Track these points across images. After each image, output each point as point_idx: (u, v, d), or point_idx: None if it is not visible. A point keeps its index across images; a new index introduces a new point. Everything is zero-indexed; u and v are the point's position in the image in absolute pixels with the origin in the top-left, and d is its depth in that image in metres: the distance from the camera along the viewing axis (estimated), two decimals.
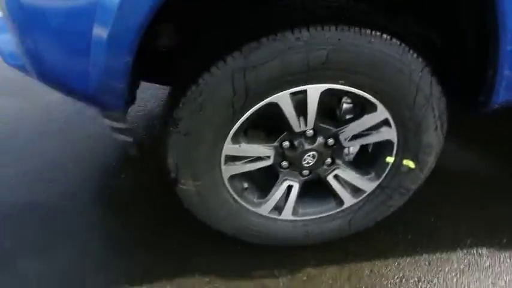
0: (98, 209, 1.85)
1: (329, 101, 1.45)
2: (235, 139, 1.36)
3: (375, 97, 1.31)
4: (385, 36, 1.22)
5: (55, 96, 2.57)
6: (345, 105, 1.43)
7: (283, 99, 1.28)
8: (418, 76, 1.29)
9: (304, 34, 1.18)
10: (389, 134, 1.41)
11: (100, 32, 1.11)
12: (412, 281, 1.57)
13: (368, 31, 1.21)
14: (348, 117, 1.44)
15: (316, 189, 1.60)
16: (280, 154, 1.45)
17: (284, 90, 1.27)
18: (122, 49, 1.14)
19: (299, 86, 1.26)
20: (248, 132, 1.46)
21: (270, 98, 1.27)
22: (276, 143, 1.42)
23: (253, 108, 1.29)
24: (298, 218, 1.59)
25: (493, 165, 2.05)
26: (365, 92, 1.30)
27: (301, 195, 1.57)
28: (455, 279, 1.58)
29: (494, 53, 1.27)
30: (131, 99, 1.39)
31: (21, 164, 2.05)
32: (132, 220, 1.80)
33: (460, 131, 2.26)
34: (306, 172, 1.50)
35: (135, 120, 2.34)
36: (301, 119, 1.36)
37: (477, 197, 1.89)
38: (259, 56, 1.20)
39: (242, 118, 1.30)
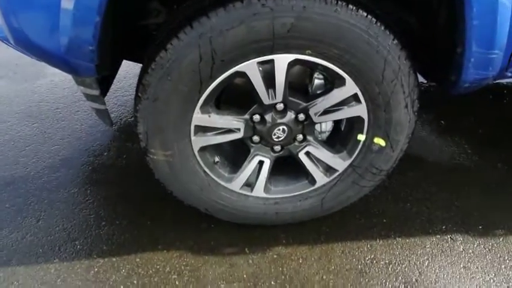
0: (79, 185, 1.84)
1: (301, 76, 1.43)
2: (205, 109, 1.34)
3: (343, 70, 1.28)
4: (351, 6, 1.20)
5: (46, 80, 2.60)
6: (316, 81, 1.41)
7: (251, 68, 1.26)
8: (386, 49, 1.26)
9: (270, 0, 1.17)
10: (359, 110, 1.37)
11: None
12: (383, 262, 1.52)
13: (334, 0, 1.19)
14: (318, 92, 1.41)
15: (288, 167, 1.56)
16: (251, 127, 1.42)
17: (251, 59, 1.25)
18: (91, 7, 1.14)
19: (266, 55, 1.24)
20: (221, 103, 1.45)
21: (238, 66, 1.25)
22: (246, 116, 1.40)
23: (221, 77, 1.27)
24: (270, 196, 1.55)
25: (471, 153, 2.00)
26: (332, 64, 1.27)
27: (273, 172, 1.54)
28: (426, 263, 1.52)
29: (462, 29, 1.24)
30: (108, 74, 1.39)
31: (6, 141, 2.06)
32: (110, 196, 1.78)
33: (438, 117, 2.23)
34: (277, 148, 1.47)
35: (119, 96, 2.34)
36: (271, 91, 1.34)
37: (454, 184, 1.83)
38: (225, 21, 1.18)
39: (210, 87, 1.28)
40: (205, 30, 1.19)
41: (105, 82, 1.50)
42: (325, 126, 1.50)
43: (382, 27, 1.24)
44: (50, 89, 2.49)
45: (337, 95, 1.35)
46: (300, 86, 1.42)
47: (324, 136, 1.53)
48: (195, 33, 1.20)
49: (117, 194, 1.78)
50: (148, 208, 1.71)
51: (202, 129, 1.39)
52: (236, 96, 1.43)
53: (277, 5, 1.17)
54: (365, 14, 1.21)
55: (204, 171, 1.47)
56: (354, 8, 1.20)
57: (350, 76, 1.30)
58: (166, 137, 1.37)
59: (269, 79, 1.30)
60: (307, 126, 1.44)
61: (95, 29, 1.17)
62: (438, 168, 1.92)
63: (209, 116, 1.36)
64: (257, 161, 1.48)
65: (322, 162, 1.50)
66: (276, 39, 1.21)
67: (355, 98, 1.35)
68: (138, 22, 1.66)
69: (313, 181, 1.53)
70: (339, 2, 1.19)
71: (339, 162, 1.49)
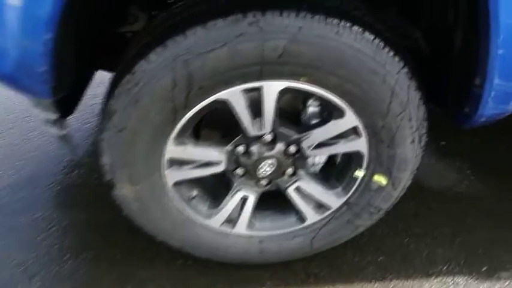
0: (44, 208, 1.59)
1: (293, 102, 1.20)
2: (180, 140, 1.11)
3: (342, 100, 1.06)
4: (356, 28, 0.98)
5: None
6: (310, 109, 1.18)
7: (234, 96, 1.03)
8: (394, 79, 1.04)
9: (259, 19, 0.93)
10: (359, 144, 1.15)
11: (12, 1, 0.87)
12: None
13: (335, 20, 0.96)
14: (313, 122, 1.19)
15: (275, 200, 1.34)
16: (234, 160, 1.19)
17: (235, 86, 1.02)
18: (39, 23, 0.89)
19: (252, 81, 1.01)
20: (202, 131, 1.22)
21: (219, 94, 1.02)
22: (228, 147, 1.17)
23: (198, 106, 1.04)
24: (254, 233, 1.33)
25: (474, 179, 1.80)
26: (331, 93, 1.05)
27: (258, 206, 1.31)
28: None
29: (484, 58, 1.02)
30: (70, 90, 1.15)
31: None
32: (77, 222, 1.54)
33: (438, 136, 2.01)
34: (263, 182, 1.25)
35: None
36: (257, 120, 1.11)
37: (456, 216, 1.63)
38: (204, 41, 0.95)
39: (186, 116, 1.05)
40: (180, 51, 0.95)
41: (69, 101, 1.26)
42: (318, 158, 1.28)
43: (391, 54, 1.02)
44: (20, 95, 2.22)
45: (335, 127, 1.12)
46: (291, 113, 1.20)
47: (317, 168, 1.31)
48: (168, 54, 0.96)
49: (86, 220, 1.54)
50: (118, 238, 1.48)
51: (177, 163, 1.16)
52: (218, 124, 1.20)
53: (267, 25, 0.94)
54: (372, 37, 0.99)
55: (179, 208, 1.24)
56: (359, 29, 0.97)
57: (350, 107, 1.07)
58: (135, 171, 1.14)
59: (255, 108, 1.07)
60: (299, 159, 1.21)
61: (45, 47, 0.92)
62: (439, 197, 1.71)
63: (185, 148, 1.13)
64: (240, 197, 1.26)
65: (314, 199, 1.28)
66: (265, 65, 0.98)
67: (354, 131, 1.13)
68: (114, 29, 1.42)
69: (302, 218, 1.31)
70: (342, 23, 0.96)
71: (333, 200, 1.27)
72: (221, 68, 0.97)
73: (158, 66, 0.97)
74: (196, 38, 0.94)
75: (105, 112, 1.06)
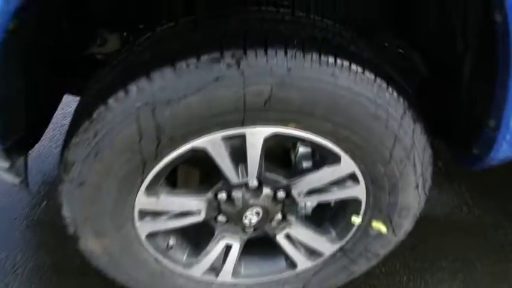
0: (8, 249, 1.42)
1: (281, 143, 1.05)
2: (152, 191, 0.95)
3: (338, 147, 0.91)
4: (355, 67, 0.82)
5: None
6: (301, 150, 1.03)
7: (212, 144, 0.87)
8: (397, 123, 0.89)
9: (239, 59, 0.77)
10: (356, 191, 1.01)
11: None
12: None
13: (331, 59, 0.80)
14: (304, 165, 1.04)
15: (263, 243, 1.20)
16: (215, 207, 1.04)
17: (213, 134, 0.86)
18: None
19: (233, 129, 0.86)
20: (178, 178, 1.07)
21: (195, 142, 0.86)
22: (209, 194, 1.01)
23: (171, 155, 0.88)
24: (240, 281, 1.18)
25: (472, 205, 1.67)
26: (325, 139, 0.90)
27: (244, 250, 1.16)
28: None
29: (500, 98, 0.88)
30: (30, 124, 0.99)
31: None
32: (43, 265, 1.37)
33: (435, 157, 1.86)
34: (249, 230, 1.10)
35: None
36: (241, 167, 0.95)
37: (456, 248, 1.50)
38: (174, 86, 0.78)
39: (157, 167, 0.89)
40: (145, 98, 0.79)
41: (31, 132, 1.09)
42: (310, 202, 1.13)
43: (395, 94, 0.86)
44: None
45: (329, 173, 0.97)
46: (279, 155, 1.04)
47: (308, 211, 1.16)
48: (130, 100, 0.79)
49: (54, 264, 1.38)
50: (89, 285, 1.32)
51: (150, 214, 1.00)
52: (196, 168, 1.04)
53: (249, 66, 0.77)
54: (373, 76, 0.83)
55: (155, 259, 1.09)
56: (359, 69, 0.82)
57: (347, 153, 0.92)
58: (100, 226, 0.98)
59: (238, 154, 0.92)
60: (288, 205, 1.06)
61: None
62: (437, 226, 1.57)
63: (158, 199, 0.97)
64: (224, 244, 1.11)
65: (305, 245, 1.13)
66: (249, 112, 0.82)
67: (351, 177, 0.98)
68: (81, 52, 1.24)
69: (293, 265, 1.17)
70: (338, 62, 0.80)
71: (327, 246, 1.13)
72: (195, 116, 0.81)
73: (120, 115, 0.80)
74: (164, 83, 0.77)
75: (62, 162, 0.89)
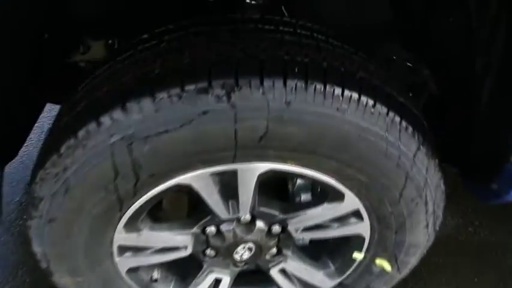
0: None
1: (277, 173, 0.93)
2: (132, 227, 0.84)
3: (342, 184, 0.80)
4: (364, 99, 0.70)
5: None
6: (299, 181, 0.92)
7: (199, 181, 0.76)
8: (410, 161, 0.77)
9: (231, 91, 0.66)
10: (360, 228, 0.89)
11: None
12: None
13: (338, 90, 0.68)
14: (303, 198, 0.93)
15: (255, 273, 1.09)
16: (203, 241, 0.93)
17: (200, 170, 0.75)
18: None
19: (223, 165, 0.74)
20: (161, 211, 0.95)
21: (179, 178, 0.75)
22: (195, 229, 0.90)
23: (153, 192, 0.77)
24: None
25: (478, 225, 1.57)
26: (328, 176, 0.78)
27: (235, 281, 1.06)
28: None
29: None
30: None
31: None
32: (21, 280, 1.27)
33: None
34: (240, 264, 1.00)
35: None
36: (232, 202, 0.84)
37: (461, 275, 1.39)
38: (153, 120, 0.67)
39: (136, 204, 0.78)
40: (120, 133, 0.67)
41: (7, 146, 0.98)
42: None
43: (409, 130, 0.75)
44: None
45: (330, 210, 0.86)
46: (274, 185, 0.93)
47: (306, 241, 1.05)
48: (103, 135, 0.68)
49: (34, 282, 1.27)
50: None
51: (131, 249, 0.89)
52: (181, 201, 0.93)
53: (242, 99, 0.65)
54: (385, 110, 0.72)
55: None
56: (369, 102, 0.70)
57: (352, 191, 0.81)
58: (75, 263, 0.87)
59: (229, 190, 0.80)
60: (284, 239, 0.95)
61: None
62: (441, 249, 1.48)
63: (139, 234, 0.86)
64: (213, 279, 1.00)
65: (301, 280, 1.03)
66: (241, 149, 0.70)
67: (355, 214, 0.87)
68: (63, 60, 1.12)
69: None
70: (346, 94, 0.68)
71: (325, 281, 1.02)
72: (179, 153, 0.69)
73: (92, 150, 0.68)
74: (142, 116, 0.66)
75: (30, 196, 0.78)
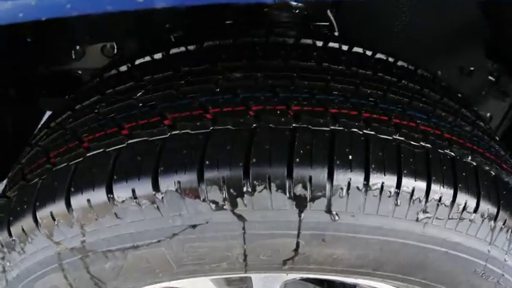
0: None
1: None
2: None
3: None
4: (460, 205, 0.39)
5: None
6: None
7: (198, 285, 0.51)
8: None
9: (238, 200, 0.37)
10: None
11: None
12: None
13: (421, 196, 0.37)
14: None
15: None
16: None
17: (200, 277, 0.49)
18: None
19: (232, 273, 0.48)
20: None
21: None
22: None
23: None
24: None
25: None
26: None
27: None
28: None
29: None
30: None
31: None
32: None
33: None
34: None
35: None
36: None
37: None
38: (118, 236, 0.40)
39: None
40: (71, 244, 0.41)
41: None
42: None
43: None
44: None
45: None
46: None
47: None
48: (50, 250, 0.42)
49: None
50: None
51: None
52: None
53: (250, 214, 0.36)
54: (486, 216, 0.40)
55: None
56: (473, 212, 0.38)
57: None
58: None
59: None
60: None
61: None
62: None
63: None
64: None
65: None
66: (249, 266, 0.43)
67: None
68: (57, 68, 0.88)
69: None
70: (429, 202, 0.37)
71: None
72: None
73: (36, 257, 0.43)
74: (104, 220, 0.39)
75: None
